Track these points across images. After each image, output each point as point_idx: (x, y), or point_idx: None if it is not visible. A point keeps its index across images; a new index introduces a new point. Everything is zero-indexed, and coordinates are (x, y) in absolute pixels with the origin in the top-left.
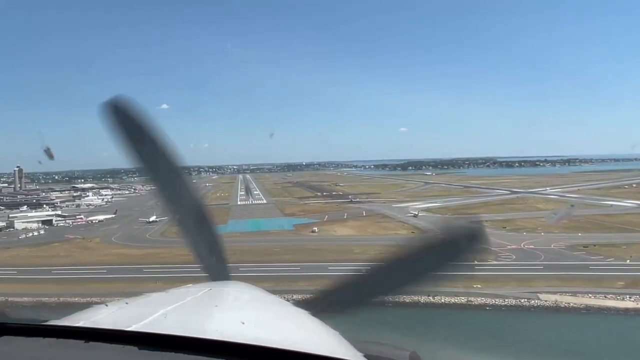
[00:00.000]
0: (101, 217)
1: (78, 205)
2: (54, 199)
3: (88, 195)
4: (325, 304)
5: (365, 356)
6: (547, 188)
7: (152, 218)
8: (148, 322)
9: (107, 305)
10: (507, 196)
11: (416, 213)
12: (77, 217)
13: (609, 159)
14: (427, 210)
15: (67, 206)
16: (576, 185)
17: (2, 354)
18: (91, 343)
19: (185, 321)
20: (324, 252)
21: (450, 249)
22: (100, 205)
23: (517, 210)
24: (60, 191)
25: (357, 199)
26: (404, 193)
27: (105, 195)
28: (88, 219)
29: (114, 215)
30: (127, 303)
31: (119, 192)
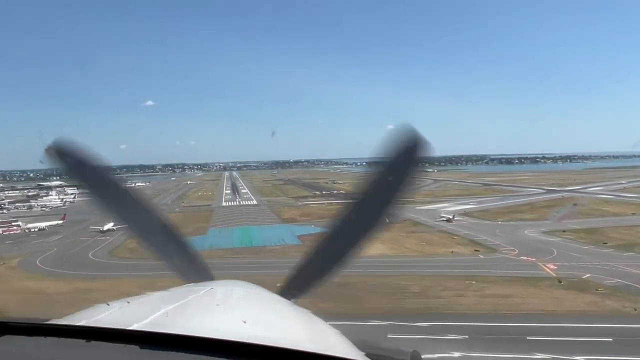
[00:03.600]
0: (44, 224)
1: (30, 207)
2: (3, 199)
3: (49, 195)
4: (301, 285)
5: (366, 355)
6: (587, 186)
7: (107, 226)
8: (149, 321)
9: (108, 305)
10: (546, 196)
11: (450, 217)
12: (13, 224)
13: (607, 156)
14: (465, 213)
15: (16, 208)
16: (616, 183)
17: (4, 353)
18: (92, 342)
19: (186, 320)
20: (363, 294)
21: (395, 172)
22: (57, 207)
23: (584, 214)
24: (21, 189)
25: None
26: (418, 192)
27: (70, 194)
28: (27, 226)
29: (61, 222)
30: (128, 302)
31: None
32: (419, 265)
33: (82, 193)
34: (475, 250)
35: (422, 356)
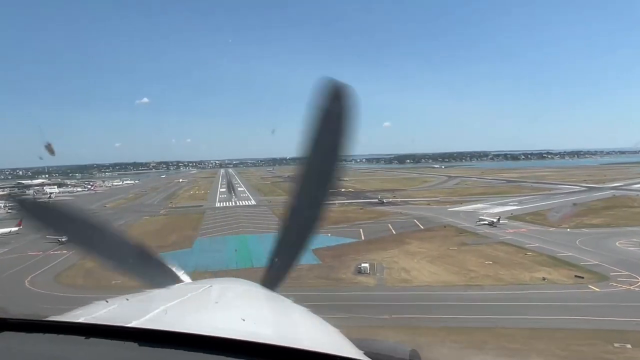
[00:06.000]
0: None
1: None
2: None
3: (26, 194)
4: (278, 273)
5: (365, 354)
6: (629, 182)
7: None
8: (148, 318)
9: (107, 301)
10: (591, 194)
11: (493, 220)
12: None
13: (613, 152)
14: (512, 217)
15: None
16: None
17: (3, 349)
18: (91, 339)
19: (185, 317)
20: None
21: (328, 129)
22: None
23: None
24: None
25: (389, 200)
26: (439, 190)
27: (50, 193)
28: None
29: (16, 229)
30: (127, 299)
31: (71, 189)
32: (511, 305)
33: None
34: (576, 276)
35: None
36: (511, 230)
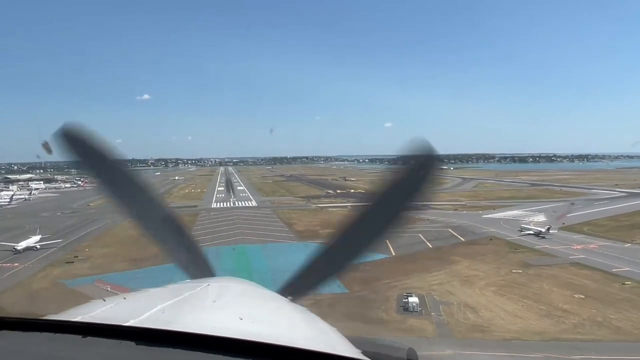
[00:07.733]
0: None
1: None
2: None
3: (2, 191)
4: (303, 286)
5: (363, 353)
6: None
7: (27, 243)
8: (146, 317)
9: (105, 300)
10: (636, 200)
11: (541, 229)
12: None
13: (621, 156)
14: (563, 227)
15: None
16: None
17: (0, 349)
18: (89, 338)
19: (183, 317)
20: None
21: (409, 184)
22: (2, 207)
23: None
24: None
25: None
26: (459, 193)
27: (34, 189)
28: None
29: None
30: (125, 298)
31: (59, 184)
32: None
33: (89, 180)
34: None
35: (418, 354)
36: (578, 247)
